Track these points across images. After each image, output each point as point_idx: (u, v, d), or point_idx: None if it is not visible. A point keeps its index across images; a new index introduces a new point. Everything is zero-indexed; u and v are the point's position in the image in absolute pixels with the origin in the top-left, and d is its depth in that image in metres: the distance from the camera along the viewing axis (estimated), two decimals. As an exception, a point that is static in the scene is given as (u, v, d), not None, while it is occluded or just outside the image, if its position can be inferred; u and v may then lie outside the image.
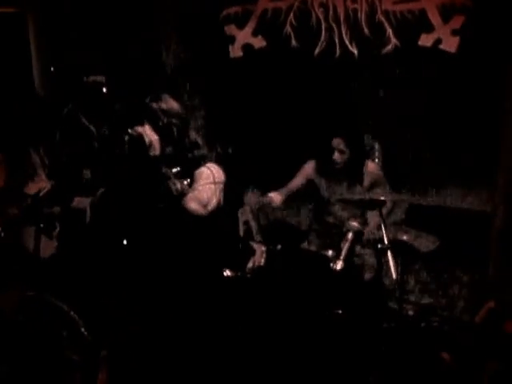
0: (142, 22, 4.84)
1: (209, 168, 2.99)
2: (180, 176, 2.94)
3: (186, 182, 2.90)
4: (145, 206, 2.93)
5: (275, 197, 3.88)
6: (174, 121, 2.98)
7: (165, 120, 2.96)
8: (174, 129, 2.96)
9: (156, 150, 2.94)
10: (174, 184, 2.89)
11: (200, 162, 2.99)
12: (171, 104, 3.02)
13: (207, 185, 2.93)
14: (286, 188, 3.99)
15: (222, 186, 3.01)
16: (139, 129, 2.92)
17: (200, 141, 3.05)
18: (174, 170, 2.91)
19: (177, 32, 4.92)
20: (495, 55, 4.25)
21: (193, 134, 3.04)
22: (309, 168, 3.97)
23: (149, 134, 2.94)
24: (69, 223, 3.57)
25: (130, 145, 2.88)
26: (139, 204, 2.95)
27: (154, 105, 2.99)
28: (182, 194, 2.89)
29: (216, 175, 2.98)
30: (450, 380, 2.96)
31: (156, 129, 2.94)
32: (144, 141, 2.91)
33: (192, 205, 2.89)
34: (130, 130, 2.89)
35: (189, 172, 2.96)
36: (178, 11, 4.91)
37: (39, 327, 2.60)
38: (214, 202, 2.93)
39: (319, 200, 4.04)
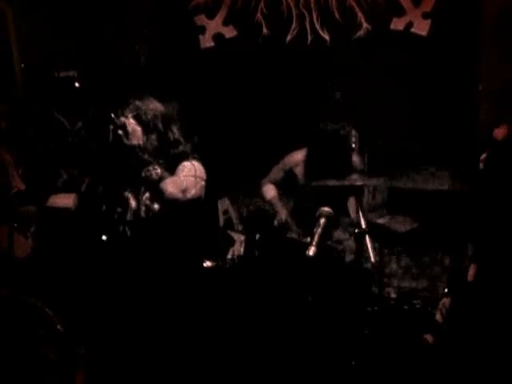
0: (112, 14, 4.78)
1: (191, 163, 2.99)
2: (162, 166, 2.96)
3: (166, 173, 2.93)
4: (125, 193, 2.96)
5: (270, 190, 3.91)
6: (157, 116, 2.99)
7: (149, 116, 2.97)
8: (159, 124, 2.98)
9: (139, 140, 2.95)
10: (155, 169, 2.90)
11: (182, 158, 2.99)
12: (155, 104, 3.03)
13: (188, 177, 2.94)
14: (271, 177, 4.00)
15: (203, 182, 3.02)
16: (122, 119, 2.93)
17: (182, 138, 3.05)
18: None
19: (147, 24, 4.87)
20: (467, 37, 4.28)
21: (176, 132, 3.04)
22: (299, 154, 3.95)
23: (132, 124, 2.95)
24: (46, 223, 3.53)
25: (114, 132, 2.89)
26: (119, 192, 2.96)
27: (138, 102, 3.00)
28: (162, 178, 2.89)
29: (198, 171, 2.99)
30: (433, 362, 2.99)
31: (140, 123, 2.96)
32: (127, 129, 2.92)
33: (170, 188, 2.90)
34: (112, 115, 2.90)
35: (171, 167, 2.96)
36: (148, 3, 4.86)
37: (15, 326, 2.57)
38: (193, 192, 2.94)
39: (298, 188, 4.04)
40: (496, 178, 2.90)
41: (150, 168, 2.88)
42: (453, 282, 2.78)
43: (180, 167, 2.96)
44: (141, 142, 2.96)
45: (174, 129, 3.02)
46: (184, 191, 2.91)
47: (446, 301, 2.70)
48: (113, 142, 2.89)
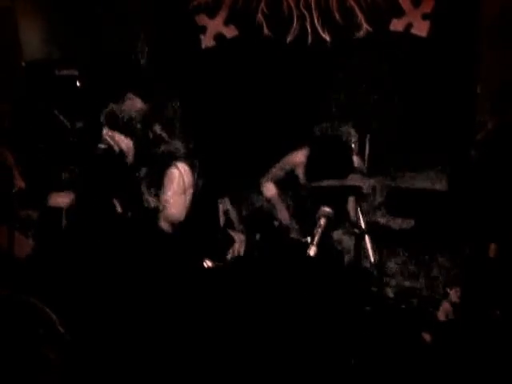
0: (113, 13, 4.79)
1: (179, 170, 2.88)
2: (149, 180, 2.86)
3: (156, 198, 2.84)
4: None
5: (270, 188, 3.93)
6: (134, 117, 2.88)
7: (124, 118, 2.86)
8: (138, 125, 2.87)
9: (129, 157, 2.87)
10: (148, 201, 2.85)
11: (168, 158, 2.90)
12: (134, 102, 2.95)
13: (177, 196, 2.85)
14: (272, 176, 4.02)
15: (191, 190, 2.94)
16: (107, 138, 2.84)
17: (166, 135, 2.95)
18: (143, 171, 2.85)
19: (148, 23, 4.88)
20: (466, 39, 4.30)
21: (158, 129, 2.94)
22: (300, 155, 3.96)
23: (118, 140, 2.86)
24: (46, 222, 3.53)
25: (102, 159, 2.81)
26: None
27: (114, 107, 2.92)
28: (156, 210, 2.84)
29: (186, 179, 2.89)
30: (432, 360, 3.00)
31: (115, 128, 2.85)
32: (115, 152, 2.84)
33: (163, 225, 2.87)
34: (99, 146, 2.82)
35: (157, 172, 2.88)
36: (149, 2, 4.87)
37: (15, 326, 2.58)
38: (183, 215, 2.89)
39: (298, 188, 4.06)
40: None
41: (143, 199, 2.80)
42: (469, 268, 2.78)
43: (168, 177, 2.85)
44: (131, 160, 2.85)
45: (156, 127, 2.91)
46: (175, 222, 2.87)
47: (447, 305, 2.71)
48: (102, 168, 2.83)
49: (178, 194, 2.85)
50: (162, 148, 2.89)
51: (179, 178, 2.86)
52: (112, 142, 2.85)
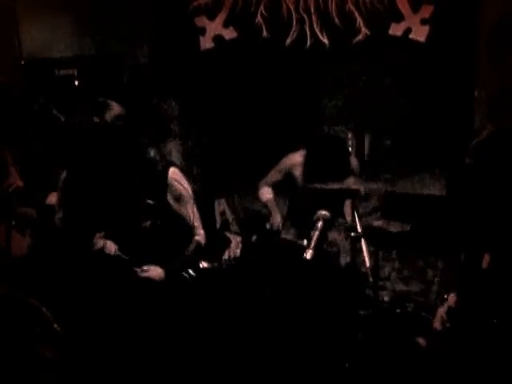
0: (113, 14, 4.79)
1: (179, 182, 2.84)
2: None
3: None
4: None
5: (267, 193, 3.94)
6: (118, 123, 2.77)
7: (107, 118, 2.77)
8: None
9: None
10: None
11: (165, 174, 2.81)
12: (113, 109, 2.85)
13: (193, 207, 2.83)
14: (269, 179, 4.02)
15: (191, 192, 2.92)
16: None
17: (157, 155, 2.83)
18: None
19: (147, 24, 4.88)
20: (464, 44, 4.32)
21: (150, 151, 2.78)
22: (298, 156, 3.97)
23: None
24: (43, 221, 3.53)
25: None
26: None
27: (96, 119, 2.85)
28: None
29: (187, 187, 2.87)
30: (426, 365, 3.01)
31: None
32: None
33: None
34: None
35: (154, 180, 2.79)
36: (149, 3, 4.87)
37: (11, 324, 2.58)
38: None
39: (295, 190, 4.06)
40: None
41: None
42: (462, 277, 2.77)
43: (175, 194, 2.81)
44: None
45: (148, 147, 2.80)
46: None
47: (443, 310, 2.71)
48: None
49: (193, 205, 2.83)
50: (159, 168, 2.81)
51: (185, 192, 2.84)
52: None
